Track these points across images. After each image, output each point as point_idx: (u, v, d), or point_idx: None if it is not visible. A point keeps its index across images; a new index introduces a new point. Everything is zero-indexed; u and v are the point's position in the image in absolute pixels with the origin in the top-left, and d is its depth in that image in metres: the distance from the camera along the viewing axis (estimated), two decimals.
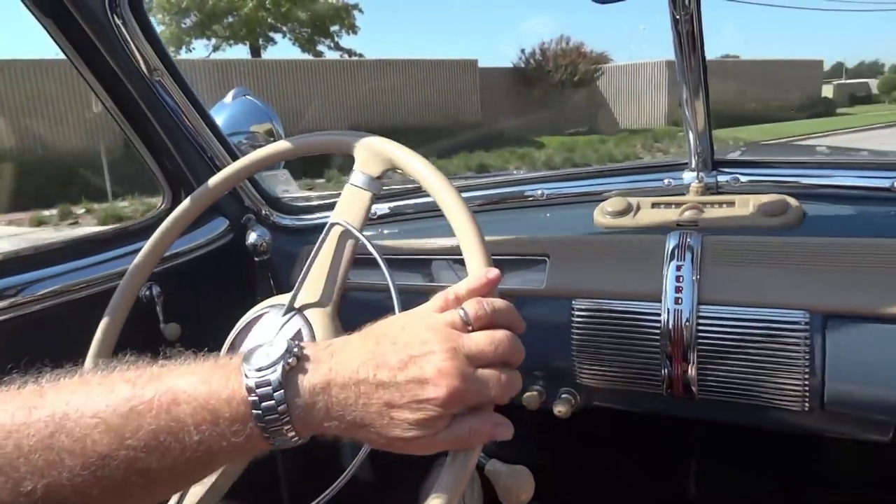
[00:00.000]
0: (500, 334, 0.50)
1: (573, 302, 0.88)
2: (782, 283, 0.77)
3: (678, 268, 0.82)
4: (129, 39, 0.94)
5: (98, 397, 0.44)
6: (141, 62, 0.97)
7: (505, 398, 0.49)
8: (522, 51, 20.77)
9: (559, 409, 0.93)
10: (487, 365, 0.48)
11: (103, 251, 1.01)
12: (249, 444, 0.46)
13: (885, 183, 0.86)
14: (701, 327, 0.79)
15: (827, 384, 0.75)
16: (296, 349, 0.47)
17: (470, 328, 0.50)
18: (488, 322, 0.50)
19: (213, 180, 0.84)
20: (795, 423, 0.83)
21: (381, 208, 1.16)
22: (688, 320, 0.80)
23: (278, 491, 1.21)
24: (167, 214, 1.12)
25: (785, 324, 0.76)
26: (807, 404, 0.76)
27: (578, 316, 0.87)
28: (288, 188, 1.29)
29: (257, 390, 0.45)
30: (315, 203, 1.25)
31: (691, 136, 0.94)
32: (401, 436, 0.46)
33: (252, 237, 1.10)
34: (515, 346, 0.50)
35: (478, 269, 0.56)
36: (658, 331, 0.82)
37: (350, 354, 0.47)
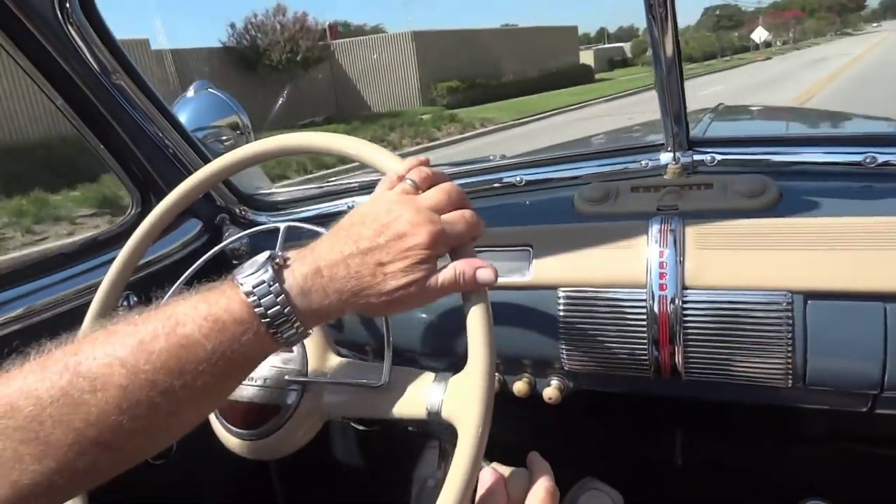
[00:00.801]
0: (447, 185, 0.56)
1: (558, 291, 0.88)
2: (763, 264, 0.78)
3: (661, 253, 0.83)
4: (82, 43, 0.89)
5: (105, 342, 0.46)
6: (97, 66, 0.92)
7: (476, 232, 0.56)
8: (232, 26, 16.68)
9: (549, 395, 0.94)
10: (449, 210, 0.55)
11: (72, 265, 0.98)
12: (258, 342, 0.48)
13: (858, 158, 0.87)
14: (686, 311, 0.81)
15: (809, 362, 0.77)
16: (278, 255, 0.51)
17: (420, 191, 0.56)
18: (433, 182, 0.57)
19: (187, 184, 0.81)
20: (779, 398, 0.85)
21: (360, 200, 1.14)
22: (672, 305, 0.81)
23: (271, 490, 1.21)
24: (138, 221, 1.08)
25: (767, 305, 0.77)
26: (790, 381, 0.78)
27: (564, 305, 0.88)
28: (261, 184, 1.26)
29: (255, 290, 0.48)
30: (291, 198, 1.22)
31: (667, 116, 0.94)
32: (396, 285, 0.51)
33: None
34: (462, 193, 0.57)
35: (394, 165, 0.60)
36: (643, 316, 0.83)
37: (328, 244, 0.52)
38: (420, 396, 0.61)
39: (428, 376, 0.62)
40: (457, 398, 0.58)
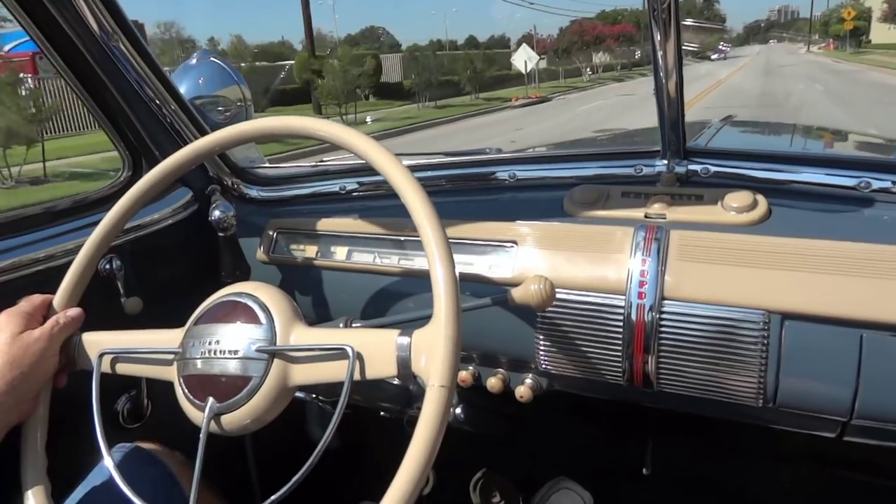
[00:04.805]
0: None
1: None
2: (743, 282, 0.78)
3: (643, 261, 0.82)
4: (83, 4, 0.88)
5: None
6: (96, 27, 0.92)
7: None
8: None
9: (521, 394, 0.94)
10: None
11: (59, 223, 0.98)
12: None
13: (852, 182, 0.86)
14: (662, 322, 0.80)
15: (781, 382, 0.77)
16: None
17: None
18: None
19: (182, 153, 0.80)
20: (749, 416, 0.85)
21: (350, 183, 1.14)
22: (650, 314, 0.80)
23: (247, 472, 1.22)
24: (128, 184, 1.08)
25: (744, 322, 0.77)
26: (760, 400, 0.78)
27: None
28: (254, 158, 1.25)
29: None
30: (284, 174, 1.22)
31: (663, 124, 0.93)
32: None
33: (216, 214, 1.07)
34: None
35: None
36: (620, 323, 0.82)
37: None
38: (388, 354, 0.61)
39: (393, 333, 0.62)
40: (422, 350, 0.59)
